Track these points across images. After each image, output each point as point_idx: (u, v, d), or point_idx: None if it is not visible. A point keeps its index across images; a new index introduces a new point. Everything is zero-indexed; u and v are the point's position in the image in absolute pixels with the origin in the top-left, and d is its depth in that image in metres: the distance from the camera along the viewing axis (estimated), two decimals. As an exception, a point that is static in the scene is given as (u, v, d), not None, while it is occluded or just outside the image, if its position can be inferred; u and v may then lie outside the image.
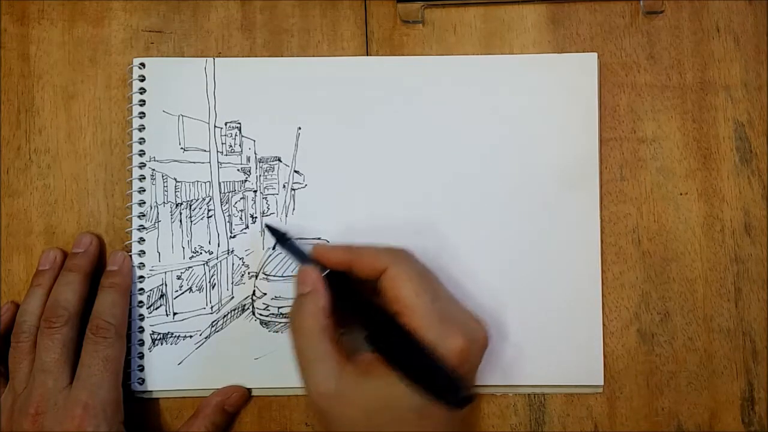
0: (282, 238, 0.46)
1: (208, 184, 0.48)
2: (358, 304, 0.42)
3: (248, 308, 0.48)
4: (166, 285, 0.48)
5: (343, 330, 0.44)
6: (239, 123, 0.48)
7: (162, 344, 0.47)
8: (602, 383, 0.47)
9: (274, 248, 0.47)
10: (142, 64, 0.48)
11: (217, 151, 0.48)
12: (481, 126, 0.48)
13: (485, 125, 0.48)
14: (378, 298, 0.41)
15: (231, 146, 0.48)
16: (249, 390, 0.47)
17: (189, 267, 0.48)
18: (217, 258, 0.48)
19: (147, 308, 0.47)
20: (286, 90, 0.48)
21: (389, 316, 0.40)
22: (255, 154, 0.48)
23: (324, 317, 0.41)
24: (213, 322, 0.47)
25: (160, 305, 0.47)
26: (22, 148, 0.49)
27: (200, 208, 0.48)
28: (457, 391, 0.38)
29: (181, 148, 0.48)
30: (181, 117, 0.48)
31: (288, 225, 0.48)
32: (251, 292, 0.48)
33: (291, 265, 0.48)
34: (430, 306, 0.40)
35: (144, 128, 0.48)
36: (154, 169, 0.48)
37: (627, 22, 0.49)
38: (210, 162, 0.48)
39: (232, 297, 0.48)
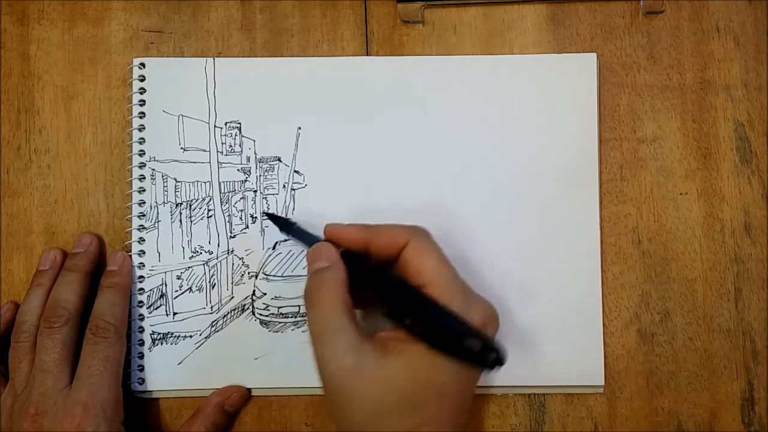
0: (287, 224, 0.45)
1: (208, 184, 0.48)
2: (378, 278, 0.41)
3: (248, 308, 0.48)
4: (166, 285, 0.48)
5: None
6: (239, 123, 0.48)
7: (162, 344, 0.47)
8: (602, 383, 0.47)
9: (273, 248, 0.47)
10: (142, 64, 0.48)
11: (217, 151, 0.48)
12: (480, 126, 0.48)
13: (485, 125, 0.48)
14: (396, 274, 0.41)
15: (231, 146, 0.48)
16: (249, 390, 0.47)
17: (189, 267, 0.48)
18: (217, 258, 0.48)
19: (147, 308, 0.47)
20: (286, 90, 0.48)
21: (413, 287, 0.40)
22: (255, 154, 0.48)
23: (344, 290, 0.40)
24: (213, 322, 0.47)
25: (160, 305, 0.47)
26: (22, 148, 0.49)
27: (200, 208, 0.48)
28: (491, 352, 0.37)
29: (181, 148, 0.48)
30: (181, 117, 0.48)
31: (288, 225, 0.48)
32: (251, 292, 0.48)
33: (291, 265, 0.48)
34: (454, 278, 0.40)
35: (144, 128, 0.48)
36: (154, 169, 0.48)
37: (627, 22, 0.49)
38: (210, 162, 0.48)
39: (232, 297, 0.48)
